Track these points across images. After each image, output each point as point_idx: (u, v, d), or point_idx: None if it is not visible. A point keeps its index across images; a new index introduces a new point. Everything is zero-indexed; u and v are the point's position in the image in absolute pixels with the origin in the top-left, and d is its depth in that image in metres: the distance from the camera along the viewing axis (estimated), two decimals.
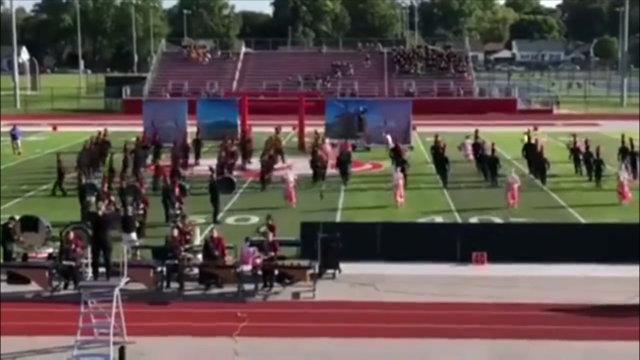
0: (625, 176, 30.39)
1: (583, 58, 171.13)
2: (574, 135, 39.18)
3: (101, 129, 43.40)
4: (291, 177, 30.12)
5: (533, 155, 35.83)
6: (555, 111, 73.48)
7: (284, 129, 44.80)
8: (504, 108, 70.46)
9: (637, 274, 19.91)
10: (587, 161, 34.94)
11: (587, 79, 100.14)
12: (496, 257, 21.71)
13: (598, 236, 22.17)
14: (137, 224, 23.41)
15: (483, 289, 19.85)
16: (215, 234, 20.65)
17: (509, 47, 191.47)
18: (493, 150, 35.04)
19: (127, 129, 53.28)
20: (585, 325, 17.37)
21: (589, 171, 34.52)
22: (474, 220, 27.15)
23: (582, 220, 26.86)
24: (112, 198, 25.93)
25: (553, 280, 20.50)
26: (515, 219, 26.80)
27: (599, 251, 21.53)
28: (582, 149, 36.18)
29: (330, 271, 20.78)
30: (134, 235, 22.17)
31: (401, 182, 30.08)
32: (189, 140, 41.19)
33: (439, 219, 27.38)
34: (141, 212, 25.81)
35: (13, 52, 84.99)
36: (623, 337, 16.51)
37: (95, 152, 37.67)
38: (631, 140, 36.28)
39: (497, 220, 26.98)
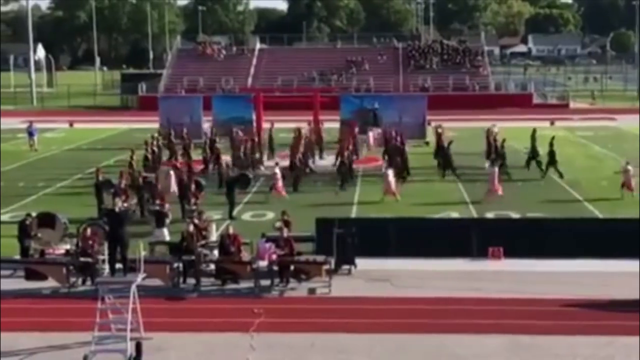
0: (495, 170, 30.55)
1: (599, 52, 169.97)
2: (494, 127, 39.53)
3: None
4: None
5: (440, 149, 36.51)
6: (572, 105, 73.13)
7: (298, 125, 44.68)
8: (520, 103, 70.20)
9: None
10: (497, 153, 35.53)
11: (604, 73, 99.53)
12: (512, 252, 21.67)
13: (614, 231, 22.06)
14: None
15: (499, 284, 19.82)
16: (231, 231, 20.70)
17: (524, 41, 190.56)
18: (400, 142, 36.23)
19: (143, 126, 53.58)
20: (600, 320, 17.31)
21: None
22: (490, 215, 27.10)
23: (599, 215, 26.76)
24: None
25: (569, 275, 20.42)
26: (532, 214, 26.74)
27: (615, 246, 21.41)
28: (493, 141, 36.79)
29: (345, 267, 20.79)
30: (165, 230, 22.42)
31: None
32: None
33: (454, 214, 27.33)
34: (157, 207, 25.92)
35: (29, 50, 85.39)
36: (638, 333, 16.43)
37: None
38: (499, 137, 36.76)
39: (514, 214, 26.93)
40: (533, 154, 35.49)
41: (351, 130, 40.87)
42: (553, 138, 34.87)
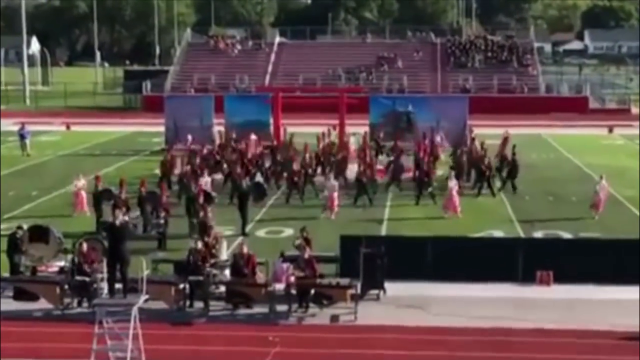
0: (454, 186, 30.48)
1: None
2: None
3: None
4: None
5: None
6: (634, 110, 72.62)
7: (321, 129, 44.83)
8: (574, 107, 69.99)
9: None
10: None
11: None
12: (563, 276, 21.59)
13: None
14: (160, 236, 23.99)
15: (547, 312, 19.77)
16: (245, 250, 20.77)
17: (580, 37, 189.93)
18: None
19: (148, 129, 53.92)
20: None
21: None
22: (538, 234, 27.01)
23: None
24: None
25: (628, 304, 20.29)
26: (585, 234, 26.62)
27: None
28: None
29: (373, 291, 20.81)
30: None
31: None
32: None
33: (498, 233, 27.27)
34: (162, 221, 26.13)
35: (22, 43, 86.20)
36: None
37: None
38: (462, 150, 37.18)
39: (566, 235, 26.82)
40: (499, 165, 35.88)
41: (424, 137, 40.98)
42: (514, 147, 35.60)
